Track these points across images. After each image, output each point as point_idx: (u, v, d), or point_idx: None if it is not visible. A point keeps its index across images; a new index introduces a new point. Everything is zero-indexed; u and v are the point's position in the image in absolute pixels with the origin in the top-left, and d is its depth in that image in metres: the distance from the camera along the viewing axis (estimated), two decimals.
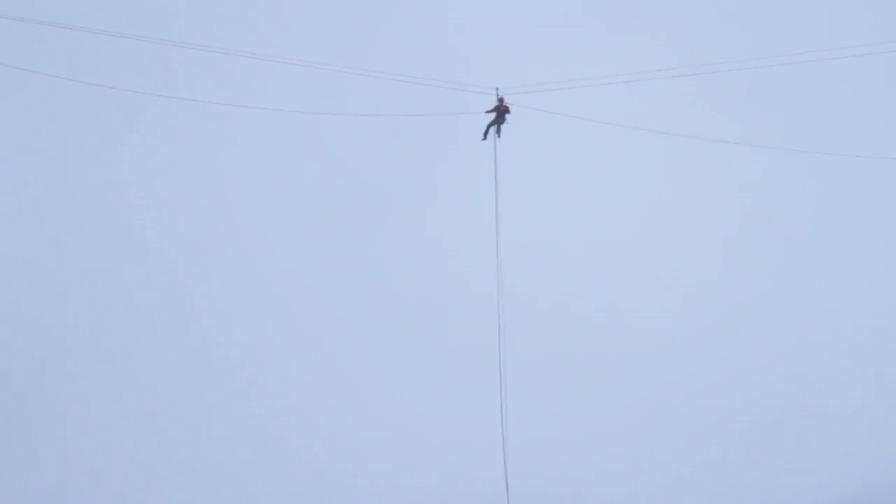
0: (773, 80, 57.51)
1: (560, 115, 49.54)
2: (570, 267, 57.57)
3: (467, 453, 53.61)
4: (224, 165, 57.20)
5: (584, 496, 55.25)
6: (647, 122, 53.72)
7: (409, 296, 56.58)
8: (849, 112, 59.68)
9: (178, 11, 57.07)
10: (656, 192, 58.71)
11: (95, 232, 55.60)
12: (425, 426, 55.17)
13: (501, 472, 45.70)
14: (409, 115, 52.68)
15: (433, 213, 57.49)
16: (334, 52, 55.14)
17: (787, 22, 59.92)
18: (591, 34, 59.41)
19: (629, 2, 60.13)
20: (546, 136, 55.57)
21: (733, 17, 60.50)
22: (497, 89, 47.63)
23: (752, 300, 58.41)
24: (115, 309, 55.17)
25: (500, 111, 47.59)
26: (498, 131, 47.45)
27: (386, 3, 58.93)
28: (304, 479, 54.43)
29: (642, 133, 53.40)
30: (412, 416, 55.31)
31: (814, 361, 57.75)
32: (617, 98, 53.09)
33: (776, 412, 57.11)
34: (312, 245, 57.14)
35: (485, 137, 47.81)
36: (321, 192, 57.50)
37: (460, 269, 56.29)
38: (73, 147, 56.15)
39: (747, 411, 56.89)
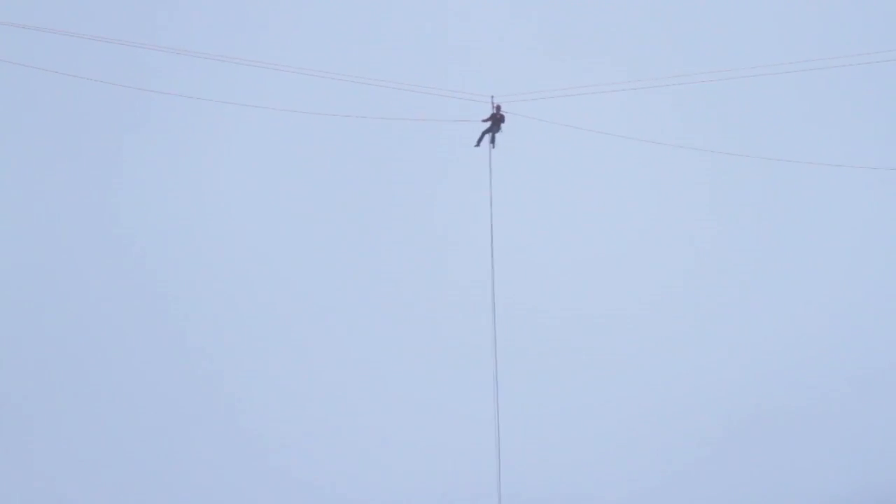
0: (763, 90, 57.79)
1: (555, 124, 49.80)
2: (562, 272, 57.83)
3: (460, 456, 53.88)
4: (220, 166, 57.34)
5: (577, 498, 55.50)
6: (640, 131, 53.99)
7: (402, 300, 56.74)
8: (841, 123, 60.08)
9: (169, 16, 57.23)
10: (647, 200, 58.99)
11: (87, 231, 55.65)
12: (418, 429, 55.35)
13: (495, 475, 46.00)
14: (406, 120, 52.89)
15: (427, 219, 57.68)
16: (333, 58, 55.37)
17: (782, 31, 60.19)
18: (587, 43, 59.65)
19: (625, 12, 60.35)
20: (540, 145, 55.83)
21: (731, 26, 60.74)
22: (492, 97, 47.89)
23: (739, 303, 58.73)
24: (106, 312, 55.20)
25: (496, 119, 47.83)
26: (492, 140, 47.66)
27: (385, 11, 59.09)
28: (294, 483, 54.60)
29: (635, 142, 53.68)
30: (405, 420, 55.50)
31: (797, 362, 58.11)
32: (612, 107, 53.35)
33: (763, 412, 57.43)
34: (306, 248, 57.28)
35: (478, 144, 48.05)
36: (315, 195, 57.65)
37: (454, 275, 56.49)
38: (65, 144, 56.21)
39: (735, 412, 57.18)
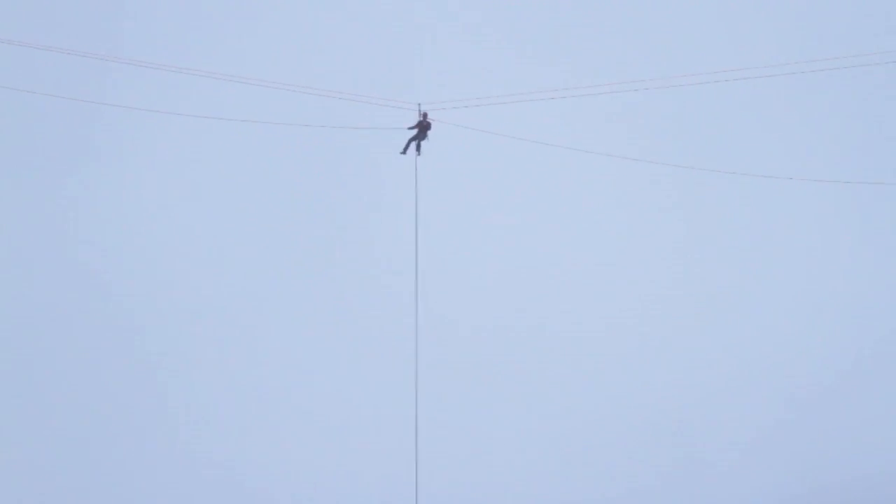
0: (701, 99, 58.09)
1: (482, 131, 49.96)
2: (487, 280, 57.86)
3: (379, 467, 53.93)
4: (150, 174, 57.10)
5: None
6: (569, 139, 54.20)
7: (327, 308, 56.63)
8: (763, 132, 60.46)
9: (106, 25, 56.94)
10: (575, 210, 59.11)
11: (34, 243, 55.40)
12: (339, 440, 55.35)
13: (412, 487, 46.10)
14: (333, 127, 52.93)
15: (353, 227, 57.57)
16: (262, 66, 55.30)
17: (713, 40, 60.45)
18: (515, 51, 59.74)
19: (554, 19, 60.46)
20: (468, 152, 55.89)
21: (658, 35, 60.97)
22: (419, 105, 48.03)
23: (656, 305, 58.84)
24: (52, 320, 55.02)
25: (422, 127, 47.97)
26: (418, 148, 47.81)
27: (314, 19, 58.97)
28: (207, 484, 54.45)
29: (563, 150, 53.91)
30: (326, 431, 55.51)
31: (726, 381, 58.40)
32: (541, 115, 53.54)
33: (687, 432, 57.75)
34: (234, 254, 57.07)
35: (404, 151, 48.18)
36: (243, 201, 57.44)
37: (380, 284, 56.40)
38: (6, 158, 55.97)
39: (658, 430, 57.45)
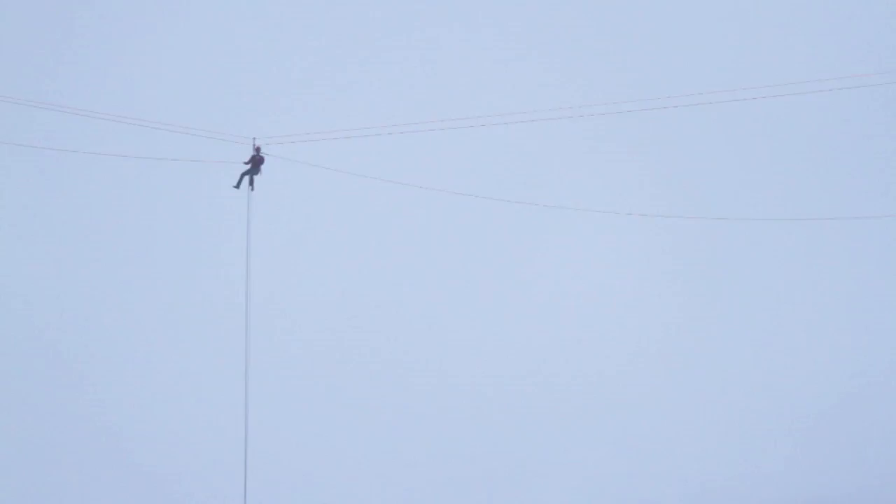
0: (534, 136, 58.85)
1: (315, 166, 50.30)
2: (317, 314, 57.97)
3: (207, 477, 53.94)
4: None
5: None
6: (406, 174, 54.70)
7: (154, 347, 56.31)
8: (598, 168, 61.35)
9: None
10: (406, 244, 59.48)
11: None
12: (170, 450, 55.12)
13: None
14: (166, 160, 52.80)
15: (185, 261, 57.27)
16: (96, 96, 54.97)
17: (565, 77, 61.21)
18: (354, 86, 60.11)
19: (391, 55, 60.95)
20: (302, 187, 56.13)
21: (501, 69, 61.65)
22: (254, 139, 48.17)
23: (472, 343, 59.16)
24: None
25: (256, 161, 48.10)
26: (251, 182, 47.89)
27: (149, 49, 58.66)
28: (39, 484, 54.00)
29: (398, 185, 54.43)
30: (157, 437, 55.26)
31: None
32: (380, 150, 54.03)
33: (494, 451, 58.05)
34: (61, 285, 56.53)
35: (237, 186, 48.22)
36: (73, 233, 56.89)
37: (210, 318, 56.22)
38: None
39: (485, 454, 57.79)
